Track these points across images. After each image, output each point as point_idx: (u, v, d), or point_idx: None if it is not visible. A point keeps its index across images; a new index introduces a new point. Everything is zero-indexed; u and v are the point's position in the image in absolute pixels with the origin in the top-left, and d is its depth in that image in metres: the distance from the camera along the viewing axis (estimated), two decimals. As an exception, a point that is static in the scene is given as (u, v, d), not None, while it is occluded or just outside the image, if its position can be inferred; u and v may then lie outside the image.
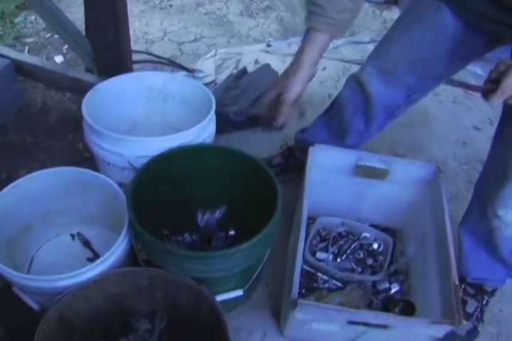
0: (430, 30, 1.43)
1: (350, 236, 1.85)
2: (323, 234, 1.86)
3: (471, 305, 1.70)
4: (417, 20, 1.46)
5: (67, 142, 2.20)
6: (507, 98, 1.09)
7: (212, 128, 1.67)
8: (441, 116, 2.67)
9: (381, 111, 1.65)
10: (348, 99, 1.70)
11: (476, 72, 2.90)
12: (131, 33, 2.09)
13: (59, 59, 2.74)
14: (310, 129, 1.93)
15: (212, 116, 1.63)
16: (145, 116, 1.92)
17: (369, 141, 1.84)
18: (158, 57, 2.80)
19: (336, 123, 1.79)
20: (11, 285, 1.49)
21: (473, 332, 1.67)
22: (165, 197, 1.55)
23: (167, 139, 1.50)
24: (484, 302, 1.72)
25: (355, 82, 1.65)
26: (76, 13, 2.89)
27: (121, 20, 1.93)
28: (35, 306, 1.50)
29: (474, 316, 1.69)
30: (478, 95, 2.81)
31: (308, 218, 1.56)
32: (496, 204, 1.45)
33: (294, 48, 2.90)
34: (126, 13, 1.94)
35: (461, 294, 1.34)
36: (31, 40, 2.87)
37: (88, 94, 1.62)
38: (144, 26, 3.10)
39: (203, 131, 1.60)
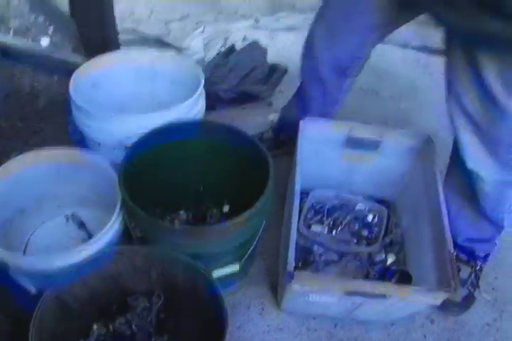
0: None
1: (344, 208, 1.86)
2: (317, 207, 1.86)
3: (465, 271, 1.70)
4: None
5: (58, 125, 2.17)
6: None
7: (202, 104, 1.65)
8: (430, 89, 2.65)
9: (331, 73, 1.66)
10: (305, 69, 1.74)
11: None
12: (117, 12, 2.06)
13: (45, 42, 2.70)
14: (287, 105, 1.98)
15: (201, 91, 1.61)
16: (134, 96, 1.89)
17: (336, 107, 1.85)
18: (145, 36, 2.76)
19: (302, 95, 1.84)
20: (8, 269, 1.49)
21: (469, 298, 1.69)
22: (156, 175, 1.54)
23: (156, 116, 1.47)
24: (478, 267, 1.72)
25: (307, 47, 1.67)
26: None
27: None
28: (32, 289, 1.51)
29: (469, 282, 1.70)
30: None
31: (302, 193, 1.55)
32: (463, 158, 1.42)
33: (283, 23, 2.89)
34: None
35: (453, 260, 1.34)
36: (16, 23, 2.82)
37: (75, 74, 1.60)
38: (131, 5, 3.04)
39: (193, 108, 1.58)
